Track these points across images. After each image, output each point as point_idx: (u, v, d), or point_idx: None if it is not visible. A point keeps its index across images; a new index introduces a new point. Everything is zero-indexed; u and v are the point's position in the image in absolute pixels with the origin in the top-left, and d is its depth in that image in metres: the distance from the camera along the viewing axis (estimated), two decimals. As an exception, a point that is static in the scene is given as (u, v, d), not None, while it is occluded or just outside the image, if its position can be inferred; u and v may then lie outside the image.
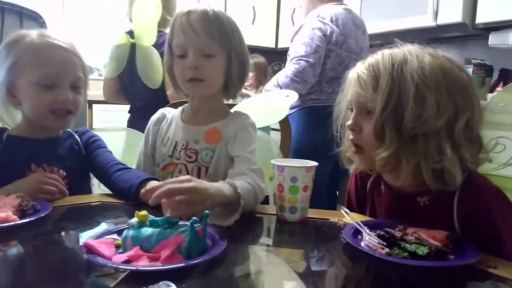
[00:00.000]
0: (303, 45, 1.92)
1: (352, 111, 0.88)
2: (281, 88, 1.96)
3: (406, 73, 0.79)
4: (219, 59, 1.04)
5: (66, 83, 1.06)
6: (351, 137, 0.88)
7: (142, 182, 0.99)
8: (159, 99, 1.85)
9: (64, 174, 1.09)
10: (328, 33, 1.92)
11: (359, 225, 0.78)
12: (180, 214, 0.72)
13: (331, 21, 1.94)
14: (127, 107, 2.23)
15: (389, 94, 0.79)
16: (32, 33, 1.06)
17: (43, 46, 1.04)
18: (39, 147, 1.09)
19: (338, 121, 0.96)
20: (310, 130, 1.95)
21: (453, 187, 0.78)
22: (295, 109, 2.02)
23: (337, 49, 1.94)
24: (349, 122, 0.87)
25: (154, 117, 1.18)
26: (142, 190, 0.79)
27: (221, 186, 0.84)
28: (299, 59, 1.91)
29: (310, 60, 1.89)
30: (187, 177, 0.78)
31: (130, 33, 2.01)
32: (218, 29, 1.02)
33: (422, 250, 0.67)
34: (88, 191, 1.19)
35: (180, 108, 1.17)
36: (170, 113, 1.17)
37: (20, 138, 1.09)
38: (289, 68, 1.94)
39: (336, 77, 1.96)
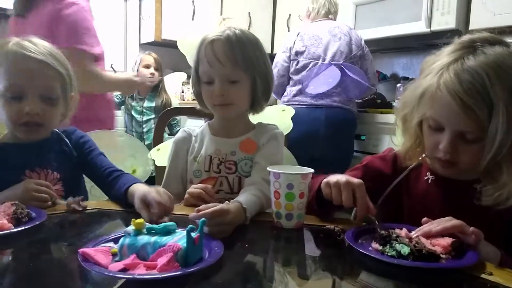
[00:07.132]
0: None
1: (432, 127, 0.83)
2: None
3: None
4: (244, 83, 1.09)
5: (35, 94, 1.02)
6: (442, 156, 0.82)
7: (127, 189, 0.99)
8: None
9: (58, 176, 1.09)
10: (288, 47, 2.35)
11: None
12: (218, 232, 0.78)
13: (297, 35, 2.35)
14: None
15: (508, 125, 0.72)
16: (13, 41, 1.03)
17: (13, 56, 1.01)
18: (31, 152, 1.08)
19: (399, 121, 0.92)
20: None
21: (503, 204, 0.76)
22: None
23: (299, 58, 2.33)
24: (444, 147, 0.80)
25: (179, 137, 1.20)
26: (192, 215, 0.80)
27: (235, 209, 0.86)
28: None
29: None
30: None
31: None
32: (242, 55, 1.06)
33: (405, 250, 0.69)
34: (83, 191, 1.19)
35: (205, 125, 1.20)
36: (194, 131, 1.20)
37: (9, 145, 1.08)
38: None
39: (301, 80, 2.33)
